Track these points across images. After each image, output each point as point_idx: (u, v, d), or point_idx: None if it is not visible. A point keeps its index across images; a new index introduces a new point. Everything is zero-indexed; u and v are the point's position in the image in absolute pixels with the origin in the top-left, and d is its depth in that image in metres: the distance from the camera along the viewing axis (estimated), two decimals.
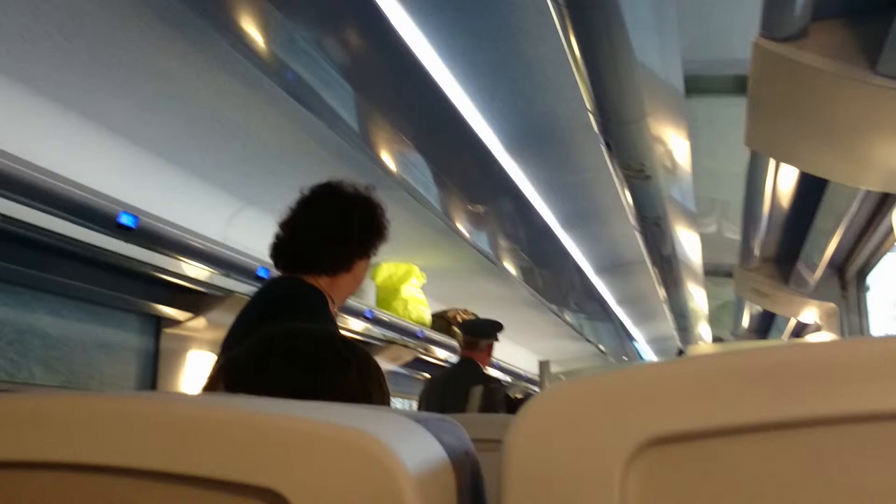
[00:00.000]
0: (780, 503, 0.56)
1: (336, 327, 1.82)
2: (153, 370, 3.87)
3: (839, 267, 3.81)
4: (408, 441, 0.61)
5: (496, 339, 3.78)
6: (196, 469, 0.59)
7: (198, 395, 0.70)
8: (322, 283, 1.81)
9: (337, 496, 0.56)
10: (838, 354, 0.57)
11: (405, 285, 4.74)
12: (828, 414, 0.55)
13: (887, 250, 3.36)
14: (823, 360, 0.56)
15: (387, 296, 4.57)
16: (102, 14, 2.18)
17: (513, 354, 7.65)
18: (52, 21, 2.19)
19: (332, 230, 1.81)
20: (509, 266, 5.21)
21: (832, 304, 3.83)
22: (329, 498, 0.56)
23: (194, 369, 4.00)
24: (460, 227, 4.21)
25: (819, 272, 3.50)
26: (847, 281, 3.81)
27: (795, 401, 0.55)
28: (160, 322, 3.90)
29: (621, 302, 7.22)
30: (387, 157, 3.32)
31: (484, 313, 5.63)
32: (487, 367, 3.79)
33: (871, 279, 3.87)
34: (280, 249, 1.87)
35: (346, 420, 0.60)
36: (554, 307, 6.68)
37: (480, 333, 3.79)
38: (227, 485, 0.58)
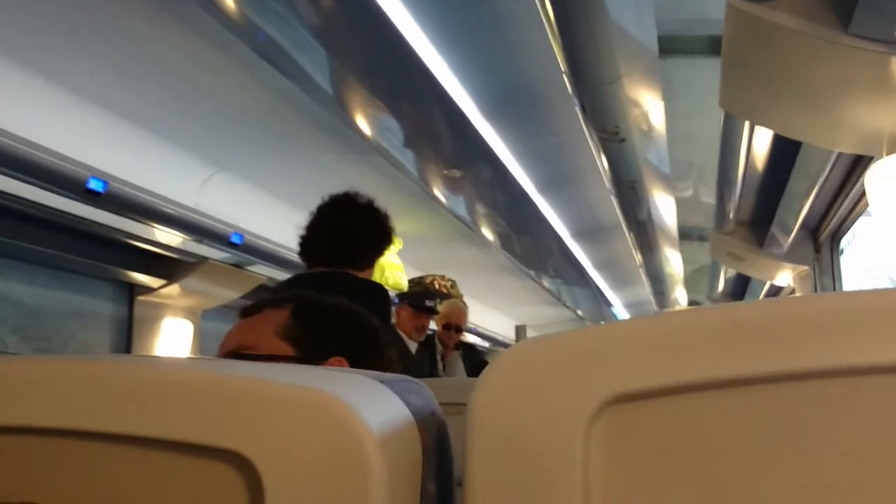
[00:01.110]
0: (743, 459, 0.56)
1: (389, 317, 2.13)
2: (127, 337, 3.85)
3: (813, 230, 3.84)
4: (371, 401, 0.60)
5: (415, 308, 3.73)
6: (158, 432, 0.58)
7: (159, 357, 0.69)
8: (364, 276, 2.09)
9: (300, 457, 0.56)
10: (800, 310, 0.57)
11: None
12: (790, 370, 0.55)
13: (860, 213, 3.39)
14: (785, 316, 0.56)
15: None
16: None
17: (490, 320, 7.68)
18: None
19: (360, 233, 2.10)
20: (487, 232, 5.21)
21: (806, 267, 3.86)
22: (292, 459, 0.56)
23: (169, 336, 3.98)
24: (437, 192, 4.20)
25: (793, 235, 3.52)
26: (821, 244, 3.84)
27: (757, 357, 0.55)
28: (133, 289, 3.87)
29: (598, 267, 7.25)
30: (361, 122, 3.29)
31: (462, 279, 5.64)
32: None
33: (845, 242, 3.90)
34: (312, 247, 2.10)
35: (309, 381, 0.59)
36: (532, 272, 6.70)
37: (399, 299, 3.77)
38: (189, 447, 0.58)
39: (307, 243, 2.10)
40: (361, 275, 2.10)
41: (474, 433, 0.58)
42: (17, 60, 2.51)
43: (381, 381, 0.65)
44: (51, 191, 2.64)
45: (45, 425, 0.60)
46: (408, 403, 0.63)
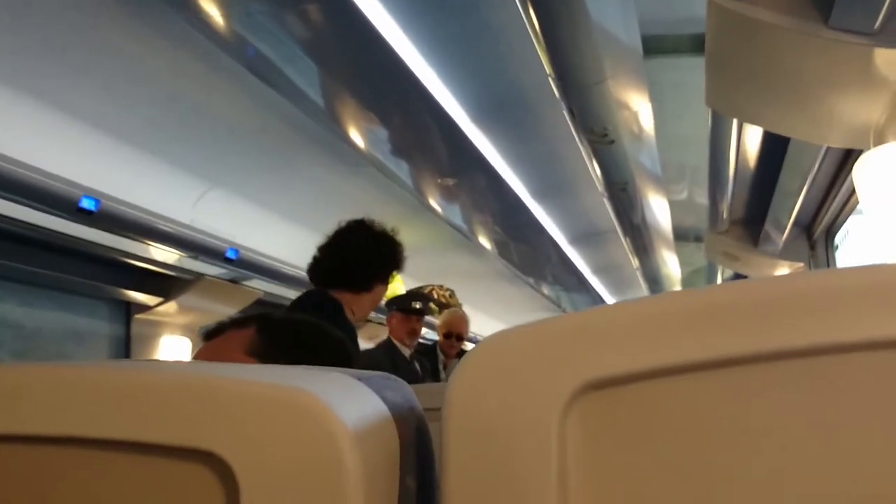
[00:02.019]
0: (721, 442, 0.56)
1: (353, 333, 2.14)
2: (125, 356, 3.84)
3: (806, 227, 3.84)
4: (347, 398, 0.60)
5: (402, 312, 3.75)
6: (132, 434, 0.58)
7: (131, 361, 0.69)
8: (346, 297, 2.15)
9: (276, 455, 0.56)
10: (774, 291, 0.56)
11: None
12: (765, 350, 0.55)
13: (853, 208, 3.39)
14: (758, 296, 0.56)
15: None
16: None
17: (490, 328, 7.67)
18: (2, 3, 2.14)
19: (360, 258, 2.19)
20: (483, 240, 5.21)
21: (801, 264, 3.86)
22: (268, 457, 0.56)
23: (167, 354, 3.98)
24: (432, 201, 4.20)
25: (787, 232, 3.52)
26: (815, 240, 3.84)
27: (732, 338, 0.55)
28: (130, 308, 3.87)
29: (596, 272, 7.25)
30: (354, 134, 3.29)
31: (460, 288, 5.64)
32: (404, 337, 3.74)
33: (839, 238, 3.90)
34: (316, 269, 2.20)
35: (283, 379, 0.59)
36: (530, 280, 6.70)
37: (386, 307, 3.79)
38: (164, 449, 0.57)
39: (312, 265, 2.23)
40: (361, 297, 2.17)
41: (450, 424, 0.58)
42: (5, 81, 2.52)
43: (358, 378, 0.64)
44: (43, 210, 2.65)
45: (18, 432, 0.60)
46: (385, 399, 0.63)
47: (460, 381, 0.59)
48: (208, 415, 0.57)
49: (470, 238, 4.95)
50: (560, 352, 0.57)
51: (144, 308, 3.89)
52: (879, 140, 1.76)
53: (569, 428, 0.57)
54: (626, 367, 0.56)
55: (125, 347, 3.84)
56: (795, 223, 3.44)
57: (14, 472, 0.61)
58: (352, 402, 0.60)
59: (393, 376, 0.70)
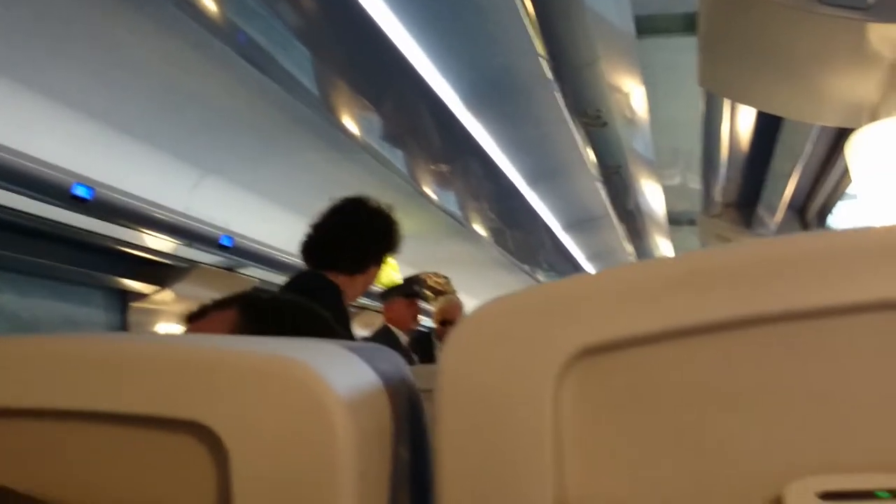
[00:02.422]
0: (717, 406, 0.56)
1: (347, 318, 2.11)
2: None
3: (799, 209, 3.84)
4: (337, 367, 0.60)
5: (396, 297, 3.75)
6: (120, 406, 0.58)
7: (117, 334, 0.69)
8: (340, 279, 2.08)
9: (265, 424, 0.55)
10: (767, 253, 0.56)
11: None
12: (760, 313, 0.55)
13: (845, 190, 3.39)
14: (751, 259, 0.56)
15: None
16: None
17: None
18: None
19: (354, 236, 2.11)
20: (478, 227, 5.21)
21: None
22: (258, 427, 0.55)
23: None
24: (426, 188, 4.19)
25: (780, 215, 3.53)
26: (808, 223, 3.84)
27: (726, 301, 0.55)
28: (126, 296, 3.86)
29: (591, 258, 7.25)
30: (347, 120, 3.28)
31: (455, 276, 5.63)
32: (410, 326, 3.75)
33: (832, 220, 3.91)
34: (309, 247, 2.13)
35: (273, 349, 0.59)
36: (525, 267, 6.70)
37: (385, 295, 3.80)
38: (152, 420, 0.57)
39: (306, 242, 2.15)
40: (354, 279, 2.11)
41: (443, 392, 0.58)
42: None
43: (349, 349, 0.64)
44: (35, 198, 2.64)
45: (4, 406, 0.59)
46: (376, 370, 0.63)
47: (453, 349, 0.58)
48: (196, 385, 0.57)
49: (465, 225, 4.95)
50: (553, 318, 0.57)
51: (140, 296, 3.89)
52: (873, 117, 1.76)
53: (563, 394, 0.57)
54: (621, 332, 0.56)
55: None
56: (789, 206, 3.45)
57: (4, 445, 0.61)
58: (343, 372, 0.59)
59: (384, 347, 0.70)
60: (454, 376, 0.58)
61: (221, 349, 0.59)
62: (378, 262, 2.18)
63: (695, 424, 0.56)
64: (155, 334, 0.85)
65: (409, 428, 0.65)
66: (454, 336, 0.59)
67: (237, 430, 0.55)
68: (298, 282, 2.11)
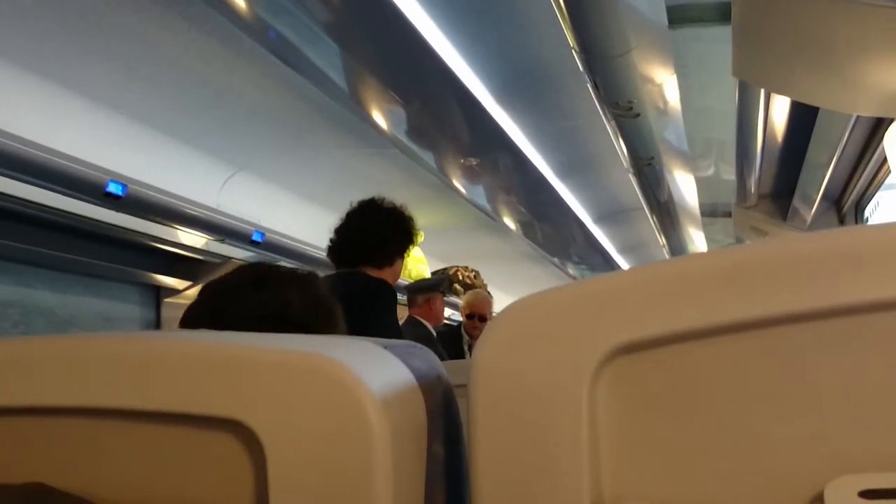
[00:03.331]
0: (753, 404, 0.55)
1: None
2: None
3: (835, 200, 3.79)
4: (373, 365, 0.60)
5: (436, 293, 3.78)
6: (160, 404, 0.58)
7: (155, 332, 0.69)
8: (374, 273, 2.25)
9: (301, 422, 0.55)
10: (805, 249, 0.55)
11: None
12: (797, 310, 0.54)
13: (883, 181, 3.33)
14: (789, 255, 0.55)
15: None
16: None
17: None
18: None
19: (382, 233, 2.27)
20: (508, 220, 5.19)
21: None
22: (293, 424, 0.56)
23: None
24: (455, 182, 4.19)
25: (816, 206, 3.48)
26: (845, 214, 3.79)
27: (762, 299, 0.54)
28: (160, 292, 3.90)
29: (622, 251, 7.20)
30: (377, 115, 3.29)
31: (485, 269, 5.62)
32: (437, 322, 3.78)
33: (869, 211, 3.84)
34: (337, 250, 2.28)
35: (308, 347, 0.59)
36: (555, 260, 6.67)
37: (416, 290, 3.82)
38: (191, 418, 0.58)
39: (332, 246, 2.29)
40: (384, 272, 2.26)
41: (477, 390, 0.57)
42: (29, 68, 2.54)
43: (384, 346, 0.64)
44: (70, 196, 2.67)
45: (46, 404, 0.60)
46: (411, 367, 0.63)
47: (487, 347, 0.58)
48: (234, 383, 0.57)
49: (494, 218, 4.94)
50: (590, 315, 0.56)
51: (174, 292, 3.92)
52: None
53: (599, 391, 0.56)
54: (657, 329, 0.55)
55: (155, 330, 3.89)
56: (824, 196, 3.39)
57: (46, 444, 0.61)
58: (378, 370, 0.59)
59: (418, 345, 0.70)
60: (488, 373, 0.58)
61: (259, 348, 0.59)
62: (402, 254, 2.33)
63: (733, 422, 0.55)
64: (192, 332, 0.87)
65: (444, 424, 0.65)
66: (488, 332, 0.59)
67: (274, 427, 0.56)
68: (351, 282, 2.21)
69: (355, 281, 2.22)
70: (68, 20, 2.33)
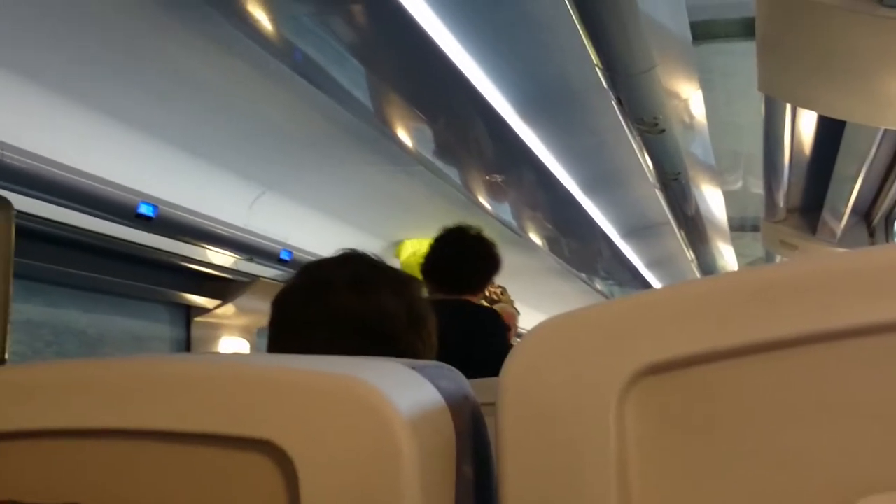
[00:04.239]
0: (782, 424, 0.55)
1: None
2: None
3: (865, 213, 3.75)
4: (401, 386, 0.61)
5: None
6: (193, 425, 0.59)
7: (189, 354, 0.71)
8: (473, 300, 2.30)
9: (332, 442, 0.56)
10: (833, 268, 0.55)
11: None
12: (826, 329, 0.54)
13: None
14: (817, 274, 0.55)
15: (411, 273, 4.56)
16: (107, 6, 2.19)
17: None
18: (57, 16, 2.20)
19: (479, 261, 2.30)
20: (534, 236, 5.18)
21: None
22: (325, 445, 0.57)
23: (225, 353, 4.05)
24: (481, 198, 4.20)
25: (845, 220, 3.44)
26: (874, 227, 3.74)
27: (791, 318, 0.54)
28: (190, 311, 3.95)
29: (650, 265, 7.15)
30: (402, 133, 3.31)
31: (511, 285, 5.61)
32: None
33: None
34: (437, 275, 2.28)
35: (338, 368, 0.60)
36: (583, 275, 6.64)
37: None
38: (224, 439, 0.59)
39: (427, 273, 2.29)
40: (474, 298, 2.30)
41: (505, 409, 0.58)
42: (64, 93, 2.59)
43: (412, 367, 0.65)
44: (103, 218, 2.72)
45: (82, 426, 0.62)
46: (439, 388, 0.64)
47: (515, 367, 0.59)
48: (267, 405, 0.58)
49: (520, 234, 4.93)
50: (618, 335, 0.57)
51: (203, 311, 3.96)
52: None
53: (627, 411, 0.56)
54: (684, 349, 0.55)
55: (186, 350, 3.92)
56: (854, 210, 3.36)
57: (83, 465, 0.63)
58: (407, 391, 0.60)
59: (447, 365, 0.70)
60: (516, 393, 0.58)
61: (290, 370, 0.60)
62: (491, 279, 2.40)
63: (761, 441, 0.55)
64: (224, 354, 0.88)
65: (472, 444, 0.65)
66: (516, 353, 0.60)
67: (306, 448, 0.57)
68: (465, 310, 2.26)
69: (467, 310, 2.26)
70: (102, 46, 2.38)
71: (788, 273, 0.56)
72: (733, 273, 0.58)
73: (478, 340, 2.13)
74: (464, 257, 2.27)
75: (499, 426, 0.58)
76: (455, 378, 0.68)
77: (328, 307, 1.08)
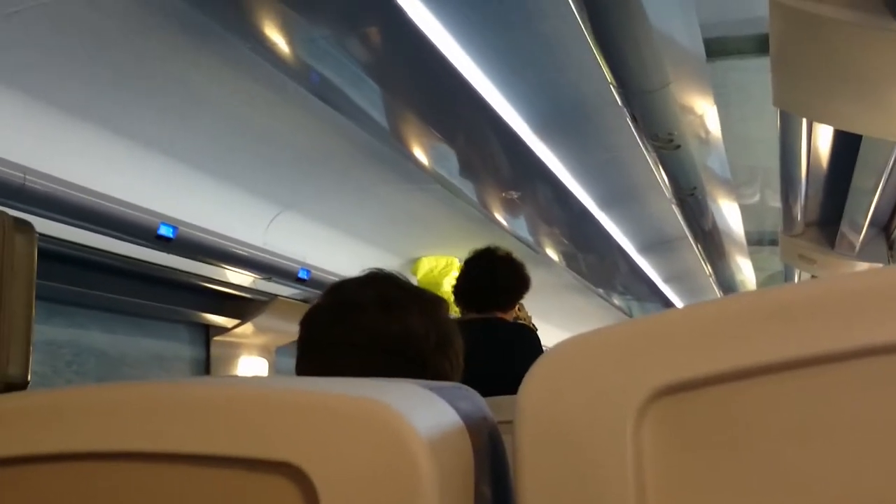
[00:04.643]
0: (801, 444, 0.55)
1: None
2: None
3: (884, 226, 3.72)
4: (420, 408, 0.61)
5: None
6: (214, 448, 0.60)
7: (209, 377, 0.72)
8: (504, 318, 2.38)
9: (352, 464, 0.57)
10: (848, 287, 0.56)
11: (447, 278, 4.74)
12: (842, 349, 0.54)
13: None
14: (833, 294, 0.55)
15: (429, 290, 4.57)
16: (125, 31, 2.23)
17: (560, 340, 7.60)
18: (77, 40, 2.24)
19: (506, 280, 2.38)
20: (551, 252, 5.18)
21: (880, 266, 3.75)
22: (345, 467, 0.57)
23: (245, 374, 4.06)
24: (497, 215, 4.21)
25: (864, 233, 3.42)
26: (894, 239, 3.72)
27: (808, 338, 0.54)
28: (209, 330, 3.97)
29: (668, 280, 7.13)
30: (418, 152, 3.33)
31: (529, 301, 5.61)
32: None
33: None
34: (468, 295, 2.37)
35: (358, 391, 0.60)
36: (600, 290, 6.62)
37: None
38: (244, 462, 0.59)
39: (458, 293, 2.39)
40: (507, 316, 2.37)
41: (523, 430, 0.58)
42: (84, 116, 2.63)
43: (430, 389, 0.66)
44: (124, 239, 2.75)
45: (105, 450, 0.62)
46: (457, 409, 0.64)
47: (532, 386, 0.59)
48: (287, 427, 0.59)
49: (537, 250, 4.93)
50: (634, 355, 0.57)
51: (222, 330, 3.99)
52: None
53: (644, 432, 0.57)
54: (701, 370, 0.56)
55: (205, 369, 3.94)
56: (872, 223, 3.34)
57: (104, 488, 0.64)
58: (426, 413, 0.61)
59: (464, 386, 0.71)
60: (534, 412, 0.59)
61: (309, 392, 0.61)
62: (520, 299, 2.47)
63: (779, 462, 0.55)
64: (243, 377, 0.89)
65: (490, 465, 0.66)
66: (533, 373, 0.60)
67: (326, 470, 0.57)
68: (500, 327, 2.35)
69: (503, 328, 2.33)
70: (122, 70, 2.42)
71: (806, 292, 0.57)
72: (751, 293, 0.59)
73: (518, 354, 2.20)
74: (493, 277, 2.33)
75: (516, 446, 0.59)
76: (473, 399, 0.69)
77: (356, 327, 1.08)
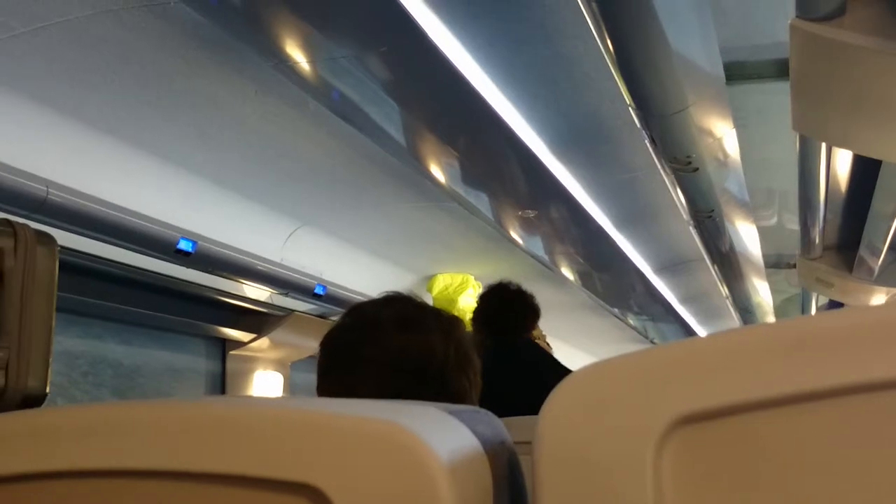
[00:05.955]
0: (820, 475, 0.55)
1: None
2: (221, 391, 3.96)
3: None
4: (440, 432, 0.62)
5: None
6: (232, 468, 0.61)
7: (230, 397, 0.72)
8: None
9: (372, 487, 0.57)
10: (869, 320, 0.56)
11: (462, 296, 4.74)
12: (862, 381, 0.55)
13: None
14: (853, 326, 0.56)
15: (444, 307, 4.58)
16: (149, 47, 2.26)
17: (575, 359, 7.59)
18: (101, 56, 2.27)
19: (518, 310, 2.54)
20: (566, 271, 5.17)
21: None
22: (364, 490, 0.58)
23: (261, 388, 4.08)
24: (513, 234, 4.21)
25: (882, 257, 3.40)
26: None
27: (828, 369, 0.55)
28: (225, 344, 3.99)
29: (684, 301, 7.09)
30: (435, 170, 3.34)
31: (544, 320, 5.59)
32: None
33: None
34: (486, 323, 2.52)
35: (379, 413, 0.61)
36: (615, 310, 6.60)
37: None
38: (264, 482, 0.60)
39: (476, 324, 2.53)
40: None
41: (541, 457, 0.59)
42: (107, 131, 2.66)
43: (450, 412, 0.66)
44: (143, 253, 2.77)
45: (125, 467, 0.63)
46: (476, 433, 0.65)
47: (551, 414, 0.59)
48: (307, 448, 0.60)
49: (552, 269, 4.93)
50: (654, 384, 0.57)
51: (239, 344, 4.01)
52: None
53: (664, 461, 0.57)
54: (721, 400, 0.56)
55: (221, 383, 3.96)
56: (891, 247, 3.32)
57: None
58: (445, 436, 0.61)
59: (483, 410, 0.71)
60: (553, 440, 0.59)
61: (330, 414, 0.61)
62: (533, 328, 2.61)
63: (799, 493, 0.55)
64: (264, 398, 0.90)
65: (509, 489, 0.66)
66: (553, 399, 0.60)
67: (346, 492, 0.58)
68: (524, 349, 2.50)
69: (530, 349, 2.46)
70: (143, 86, 2.45)
71: (828, 324, 0.57)
72: (769, 324, 0.59)
73: (544, 371, 2.35)
74: (508, 307, 2.50)
75: (535, 473, 0.59)
76: (492, 423, 0.69)
77: (377, 346, 1.10)
